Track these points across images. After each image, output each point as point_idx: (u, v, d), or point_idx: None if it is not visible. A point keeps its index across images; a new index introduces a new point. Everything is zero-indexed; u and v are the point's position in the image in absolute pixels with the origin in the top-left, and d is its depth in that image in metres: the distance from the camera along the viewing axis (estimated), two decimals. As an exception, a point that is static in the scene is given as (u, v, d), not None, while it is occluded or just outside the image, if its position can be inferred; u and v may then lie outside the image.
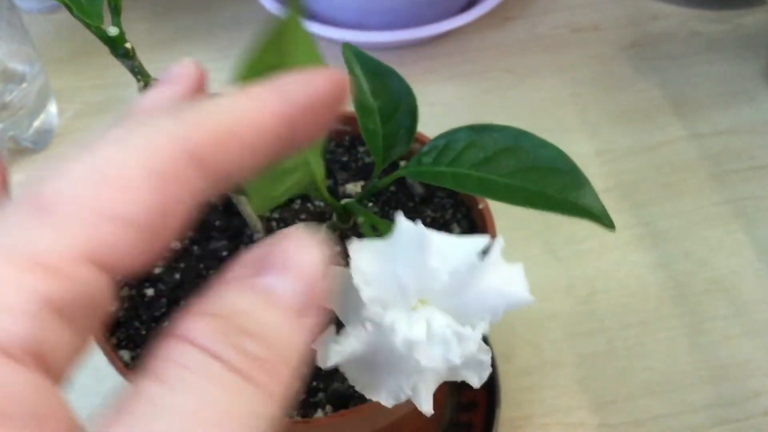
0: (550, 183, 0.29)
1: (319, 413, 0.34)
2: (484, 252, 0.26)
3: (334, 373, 0.35)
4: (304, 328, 0.18)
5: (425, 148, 0.31)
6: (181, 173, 0.17)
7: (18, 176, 0.63)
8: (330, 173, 0.42)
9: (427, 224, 0.41)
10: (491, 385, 0.47)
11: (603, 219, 0.29)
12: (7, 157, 0.63)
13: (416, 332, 0.25)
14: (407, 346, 0.25)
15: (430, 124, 0.39)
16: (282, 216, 0.40)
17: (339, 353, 0.25)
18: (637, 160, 0.62)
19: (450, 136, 0.31)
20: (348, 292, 0.26)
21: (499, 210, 0.37)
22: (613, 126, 0.64)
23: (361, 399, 0.34)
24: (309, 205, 0.41)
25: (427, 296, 0.26)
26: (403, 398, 0.26)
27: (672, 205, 0.59)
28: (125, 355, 0.35)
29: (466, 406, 0.47)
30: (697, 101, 0.66)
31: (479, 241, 0.26)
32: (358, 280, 0.25)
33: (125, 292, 0.38)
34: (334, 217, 0.32)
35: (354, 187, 0.41)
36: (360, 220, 0.30)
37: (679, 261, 0.56)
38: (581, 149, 0.63)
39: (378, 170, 0.32)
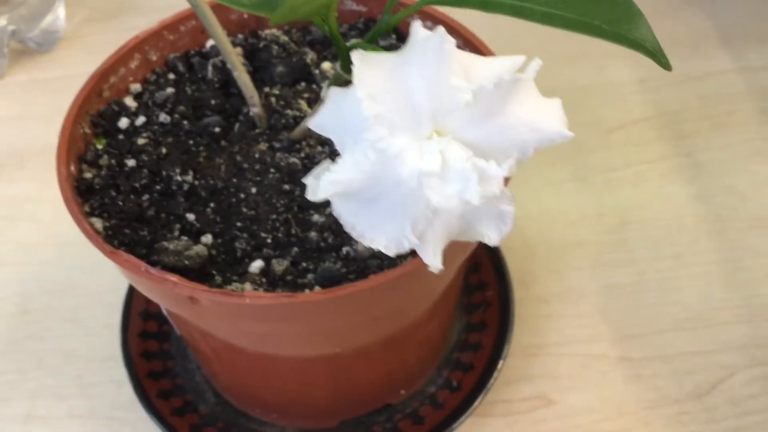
0: (600, 13, 0.25)
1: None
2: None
3: (324, 252, 0.31)
4: None
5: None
6: None
7: (20, 77, 0.60)
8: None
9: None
10: (504, 306, 0.43)
11: (657, 55, 0.25)
12: (9, 55, 0.60)
13: (428, 163, 0.21)
14: (417, 178, 0.21)
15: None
16: (281, 93, 0.36)
17: (332, 183, 0.21)
18: (680, 90, 0.57)
19: None
20: (347, 114, 0.21)
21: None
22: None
23: (354, 281, 0.30)
24: (314, 86, 0.37)
25: (444, 125, 0.22)
26: (406, 246, 0.22)
27: (716, 138, 0.54)
28: (97, 223, 0.31)
29: (476, 326, 0.43)
30: (747, 34, 0.61)
31: (513, 60, 0.22)
32: (361, 93, 0.21)
33: (105, 160, 0.34)
34: (338, 67, 0.28)
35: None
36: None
37: (721, 195, 0.51)
38: (623, 76, 0.58)
39: (391, 4, 0.28)
